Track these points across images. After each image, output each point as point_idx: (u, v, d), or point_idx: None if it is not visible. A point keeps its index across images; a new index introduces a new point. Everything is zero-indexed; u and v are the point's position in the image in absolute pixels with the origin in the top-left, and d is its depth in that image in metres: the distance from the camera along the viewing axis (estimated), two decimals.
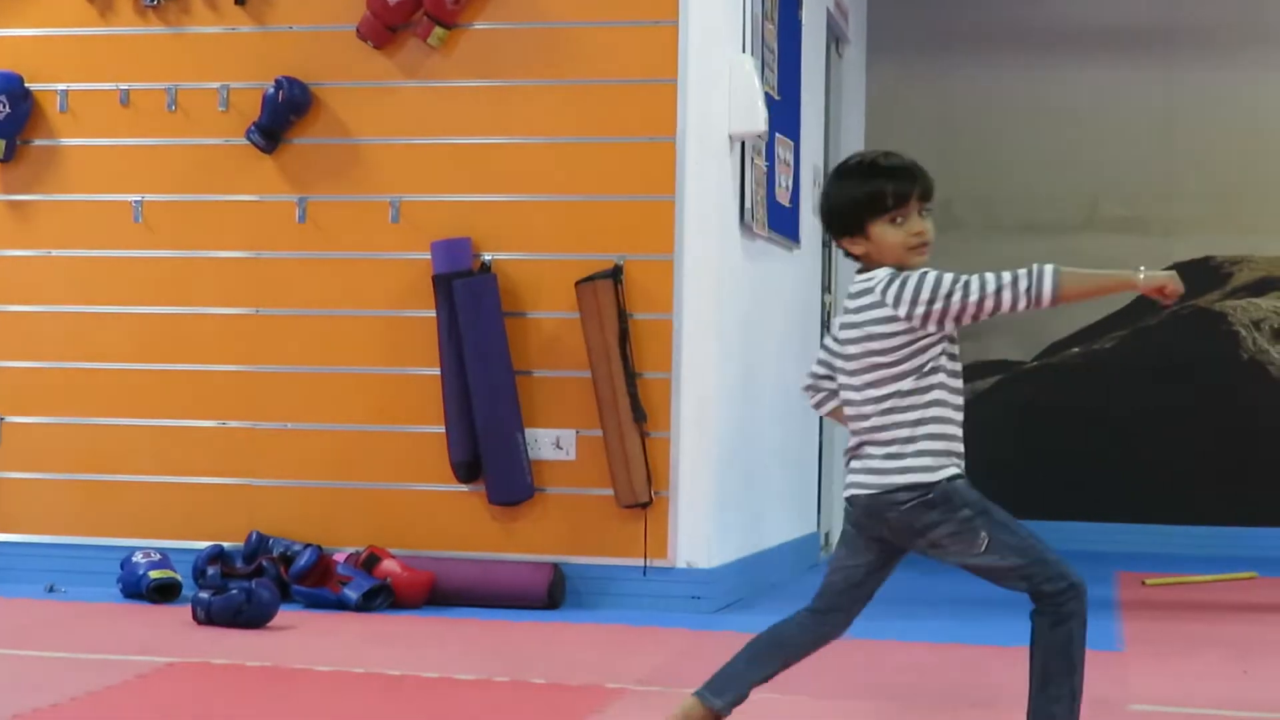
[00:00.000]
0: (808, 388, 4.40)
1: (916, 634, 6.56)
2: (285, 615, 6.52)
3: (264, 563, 6.97)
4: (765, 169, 7.71)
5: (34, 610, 6.80)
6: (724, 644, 6.21)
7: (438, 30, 7.18)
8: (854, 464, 4.22)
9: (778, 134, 7.92)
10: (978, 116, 10.40)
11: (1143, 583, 8.36)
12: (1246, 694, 5.48)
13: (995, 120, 10.38)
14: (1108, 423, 10.15)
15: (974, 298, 4.04)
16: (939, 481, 4.20)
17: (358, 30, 7.25)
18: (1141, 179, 10.27)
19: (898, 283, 4.11)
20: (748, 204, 7.44)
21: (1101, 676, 5.70)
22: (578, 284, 7.00)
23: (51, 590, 7.17)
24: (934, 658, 6.08)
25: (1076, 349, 10.27)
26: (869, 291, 4.17)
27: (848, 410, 4.24)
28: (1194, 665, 6.02)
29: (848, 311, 4.22)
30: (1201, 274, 10.18)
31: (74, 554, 7.39)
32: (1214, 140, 10.18)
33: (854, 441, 4.23)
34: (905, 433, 4.14)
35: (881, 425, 4.15)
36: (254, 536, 7.10)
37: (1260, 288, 10.16)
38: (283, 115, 7.27)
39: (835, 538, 9.77)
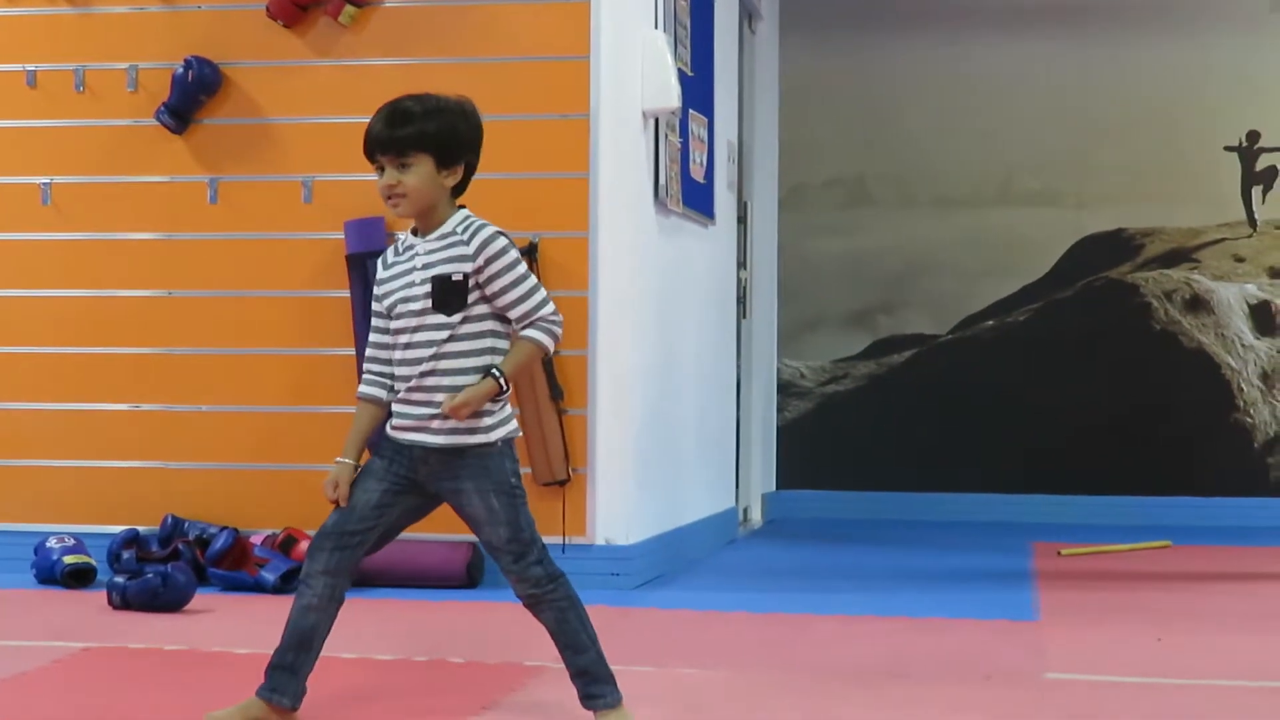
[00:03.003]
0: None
1: (831, 607, 6.59)
2: (202, 599, 6.49)
3: (180, 546, 6.92)
4: (679, 145, 7.71)
5: None
6: (643, 620, 6.25)
7: (348, 8, 7.14)
8: None
9: (691, 110, 7.92)
10: (891, 92, 10.44)
11: (1058, 553, 8.42)
12: (1161, 662, 5.53)
13: (908, 95, 10.42)
14: (1022, 395, 10.23)
15: None
16: None
17: (268, 9, 7.20)
18: (1054, 153, 10.34)
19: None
20: (662, 180, 7.44)
21: (1017, 645, 5.77)
22: None
23: None
24: (847, 630, 6.11)
25: (990, 322, 10.34)
26: None
27: None
28: (1109, 634, 6.07)
29: None
30: (1114, 246, 10.28)
31: None
32: (1126, 113, 10.27)
33: None
34: None
35: None
36: (169, 520, 7.05)
37: (1171, 259, 10.25)
38: (193, 95, 7.21)
39: (755, 514, 9.83)
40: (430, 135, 4.30)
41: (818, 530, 9.61)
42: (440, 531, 7.00)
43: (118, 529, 7.07)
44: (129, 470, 7.30)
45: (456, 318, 4.28)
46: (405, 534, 7.00)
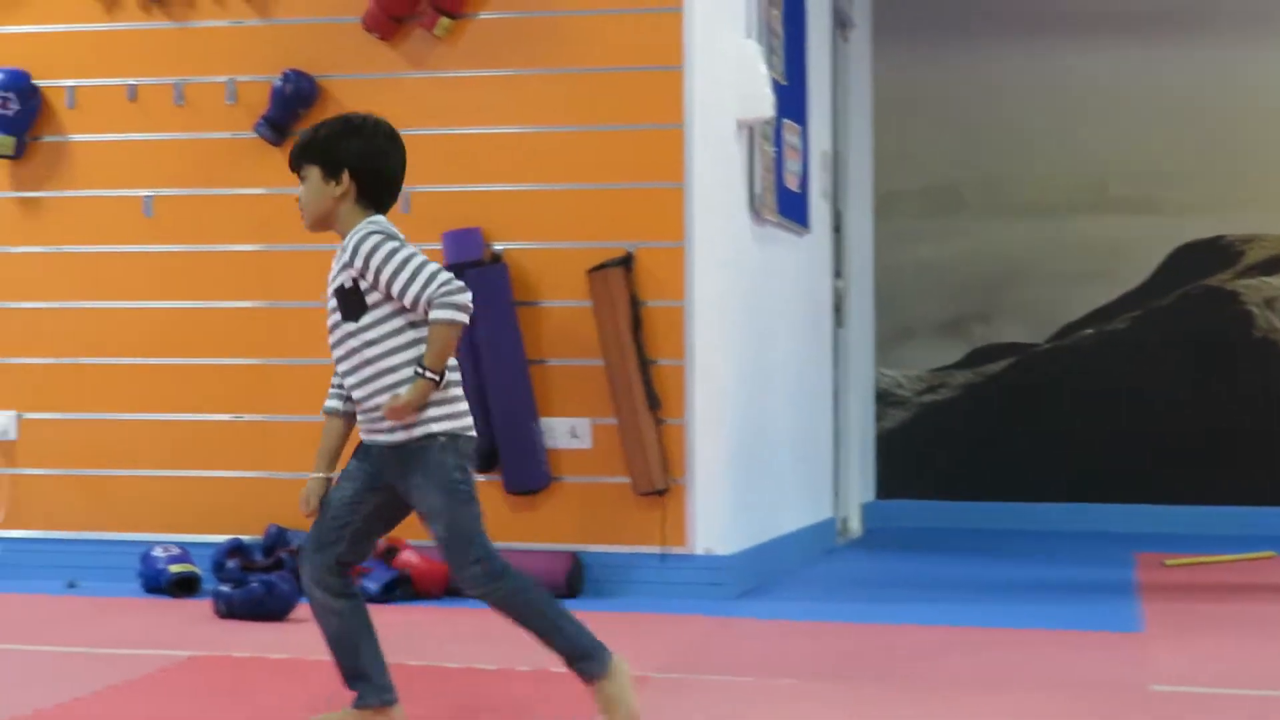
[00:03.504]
0: None
1: (931, 618, 6.55)
2: (305, 608, 6.49)
3: (283, 555, 6.96)
4: (773, 154, 7.70)
5: (55, 606, 6.80)
6: (741, 630, 6.23)
7: (443, 20, 7.17)
8: None
9: (785, 119, 7.91)
10: (985, 98, 10.38)
11: (1162, 563, 8.35)
12: (1268, 673, 5.47)
13: (1002, 102, 10.36)
14: (1121, 404, 10.13)
15: None
16: None
17: (363, 22, 7.25)
18: (1151, 159, 10.24)
19: None
20: (756, 190, 7.44)
21: (1122, 657, 5.71)
22: (589, 272, 6.99)
23: (72, 586, 7.18)
24: (948, 641, 6.07)
25: (1089, 330, 10.25)
26: None
27: None
28: (1214, 645, 6.01)
29: None
30: (1213, 253, 10.17)
31: (94, 549, 7.40)
32: (1223, 119, 10.16)
33: None
34: None
35: None
36: (273, 529, 7.10)
37: (1271, 266, 10.14)
38: (290, 108, 7.26)
39: (853, 524, 9.79)
40: (312, 147, 4.46)
41: (917, 540, 9.56)
42: (540, 541, 7.06)
43: (222, 538, 7.12)
44: (233, 480, 7.35)
45: (365, 320, 4.36)
46: (506, 544, 7.07)
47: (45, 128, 7.54)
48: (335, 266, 4.43)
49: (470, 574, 4.40)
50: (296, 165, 4.47)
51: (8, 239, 7.58)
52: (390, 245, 4.34)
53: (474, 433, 4.44)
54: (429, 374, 4.28)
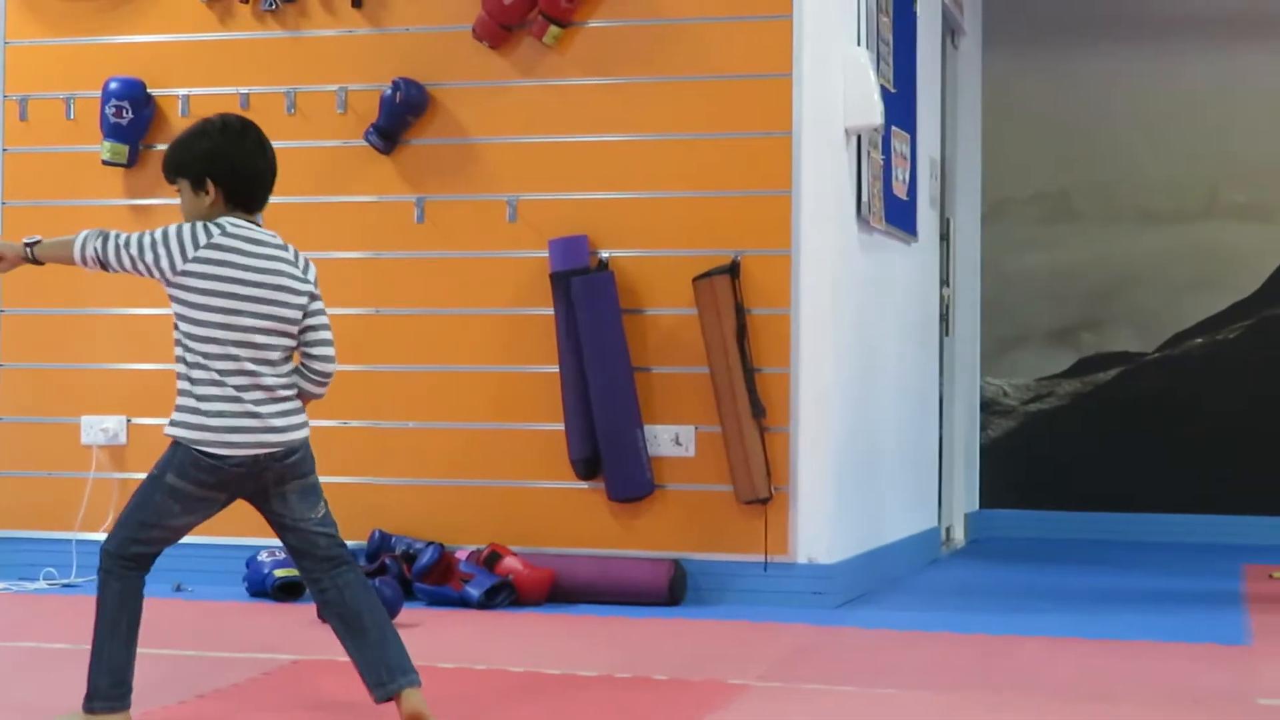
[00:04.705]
0: None
1: (1036, 628, 6.51)
2: (408, 613, 6.56)
3: (386, 561, 7.02)
4: (882, 162, 7.68)
5: (161, 609, 6.83)
6: (844, 640, 6.22)
7: (553, 29, 7.20)
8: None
9: (894, 127, 7.89)
10: (1094, 105, 10.30)
11: (1270, 575, 8.25)
12: None
13: (1112, 108, 10.28)
14: (1232, 414, 10.03)
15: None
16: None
17: (473, 30, 7.29)
18: (1263, 165, 10.13)
19: None
20: (864, 197, 7.42)
21: (1229, 670, 5.65)
22: (695, 280, 7.00)
23: (178, 589, 7.26)
24: (1052, 652, 6.03)
25: (1200, 339, 10.15)
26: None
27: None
28: None
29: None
30: None
31: (200, 553, 7.44)
32: None
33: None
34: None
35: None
36: (376, 535, 7.16)
37: None
38: (400, 116, 7.32)
39: (958, 533, 9.74)
40: (171, 164, 4.59)
41: (1022, 550, 9.50)
42: (642, 548, 7.07)
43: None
44: (336, 486, 7.39)
45: None
46: (607, 550, 7.10)
47: (159, 136, 7.64)
48: None
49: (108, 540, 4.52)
50: (169, 180, 4.62)
51: None
52: (146, 233, 4.54)
53: (208, 449, 4.44)
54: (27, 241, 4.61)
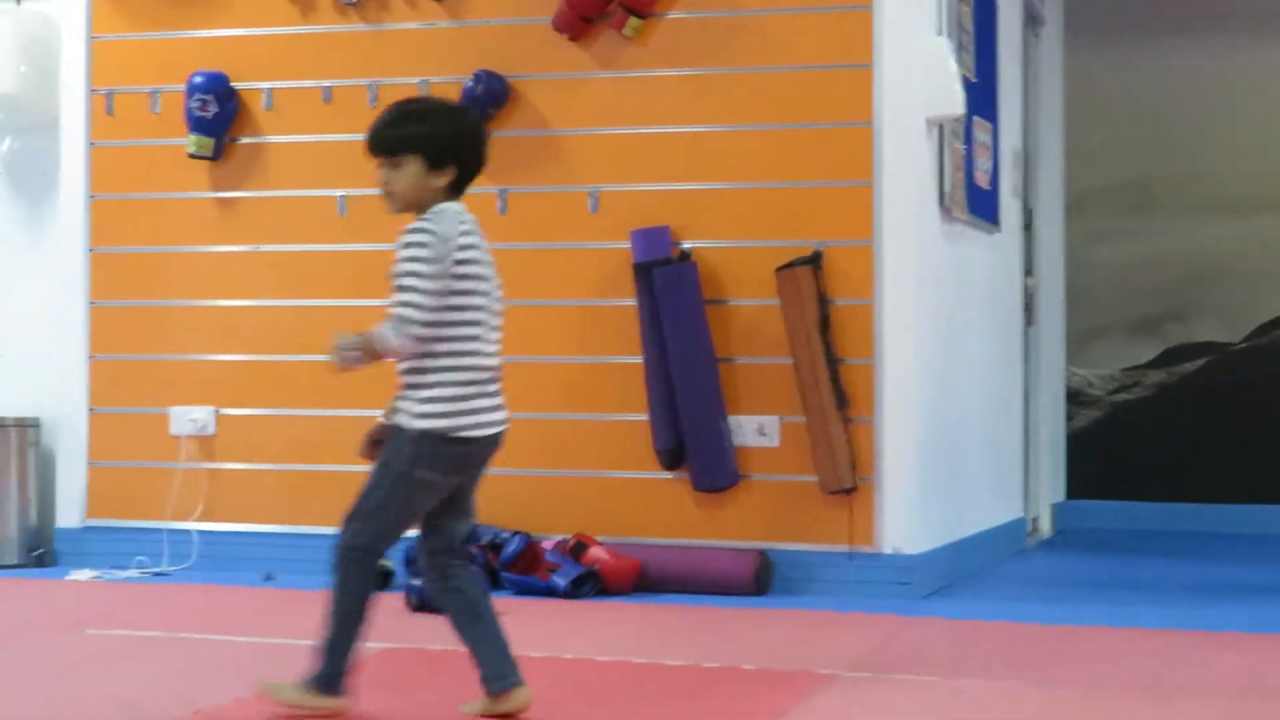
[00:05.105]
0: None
1: (1124, 620, 6.48)
2: (495, 602, 6.57)
3: (473, 550, 7.04)
4: (963, 152, 7.66)
5: (252, 598, 6.94)
6: (930, 630, 6.20)
7: (633, 20, 7.21)
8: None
9: (975, 117, 7.86)
10: (1177, 96, 10.23)
11: None
12: None
13: (1195, 98, 10.20)
14: None
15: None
16: None
17: (554, 22, 7.31)
18: None
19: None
20: (946, 187, 7.40)
21: None
22: (778, 270, 7.00)
23: (268, 578, 7.32)
24: (1141, 644, 6.00)
25: None
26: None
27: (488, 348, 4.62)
28: None
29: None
30: None
31: (289, 542, 7.53)
32: None
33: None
34: None
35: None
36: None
37: None
38: (481, 108, 7.34)
39: (1044, 524, 9.70)
40: (419, 138, 4.56)
41: (1108, 541, 9.45)
42: (728, 538, 7.07)
43: (414, 533, 7.19)
44: None
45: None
46: (692, 541, 7.11)
47: (243, 129, 7.70)
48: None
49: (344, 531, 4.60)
50: (390, 152, 4.60)
51: (206, 238, 7.75)
52: (415, 250, 4.51)
53: (462, 433, 4.54)
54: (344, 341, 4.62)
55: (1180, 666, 5.52)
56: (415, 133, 4.58)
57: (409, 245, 4.50)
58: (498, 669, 4.60)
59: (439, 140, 4.58)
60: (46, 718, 4.60)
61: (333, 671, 4.59)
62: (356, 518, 4.62)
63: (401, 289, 4.49)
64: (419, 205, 4.59)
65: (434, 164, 4.56)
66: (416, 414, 4.55)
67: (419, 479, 4.56)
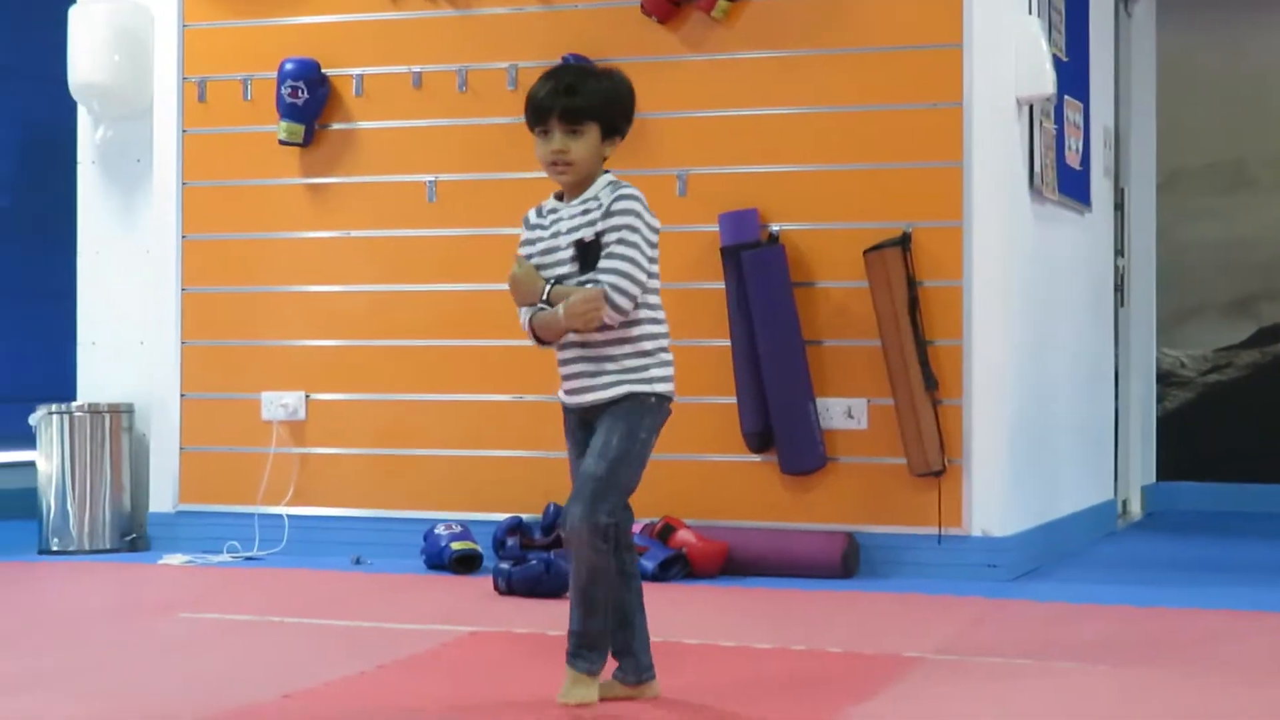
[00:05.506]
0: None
1: (1216, 601, 6.43)
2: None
3: (562, 533, 7.06)
4: (1054, 132, 7.60)
5: (342, 581, 6.99)
6: (1020, 612, 6.18)
7: (721, 3, 7.20)
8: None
9: (1066, 96, 7.80)
10: (1271, 72, 10.12)
11: None
12: None
13: None
14: None
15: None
16: None
17: (642, 6, 7.31)
18: None
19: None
20: (1037, 168, 7.35)
21: None
22: (866, 252, 6.98)
23: (358, 562, 7.37)
24: (1233, 626, 5.95)
25: None
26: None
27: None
28: None
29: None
30: None
31: (378, 526, 7.59)
32: None
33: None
34: None
35: None
36: (551, 508, 7.20)
37: None
38: None
39: (1134, 506, 9.63)
40: (604, 106, 4.45)
41: (1200, 523, 9.38)
42: (815, 521, 7.07)
43: (502, 517, 7.24)
44: (512, 459, 7.48)
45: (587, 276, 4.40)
46: (780, 524, 7.11)
47: (333, 115, 7.75)
48: (574, 219, 4.48)
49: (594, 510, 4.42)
50: (574, 119, 4.45)
51: (297, 224, 7.81)
52: (636, 220, 4.41)
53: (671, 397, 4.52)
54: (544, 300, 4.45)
55: (1270, 649, 5.47)
56: (599, 100, 4.47)
57: (629, 213, 4.41)
58: (648, 659, 4.60)
59: (621, 108, 4.52)
60: (138, 701, 4.65)
61: (603, 656, 4.54)
62: (609, 493, 4.43)
63: (623, 258, 4.39)
64: (590, 177, 4.49)
65: (609, 132, 4.49)
66: (654, 378, 4.48)
67: (650, 445, 4.52)
